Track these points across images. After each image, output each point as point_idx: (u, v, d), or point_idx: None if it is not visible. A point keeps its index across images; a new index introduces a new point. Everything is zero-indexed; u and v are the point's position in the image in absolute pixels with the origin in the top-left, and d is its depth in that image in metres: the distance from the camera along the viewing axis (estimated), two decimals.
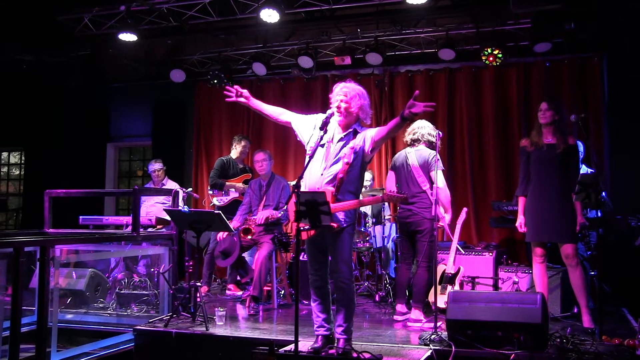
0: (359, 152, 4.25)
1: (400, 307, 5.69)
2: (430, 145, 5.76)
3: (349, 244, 4.28)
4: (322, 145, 4.26)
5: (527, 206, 5.28)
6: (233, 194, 7.40)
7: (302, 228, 4.05)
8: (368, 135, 4.28)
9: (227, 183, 7.44)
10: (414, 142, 5.79)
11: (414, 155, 5.70)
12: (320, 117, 4.34)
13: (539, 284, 5.24)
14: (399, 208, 5.84)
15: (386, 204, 7.11)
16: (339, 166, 4.21)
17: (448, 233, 5.87)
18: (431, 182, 5.54)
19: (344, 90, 4.30)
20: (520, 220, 5.31)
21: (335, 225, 4.14)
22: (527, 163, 5.31)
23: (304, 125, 4.43)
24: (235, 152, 7.73)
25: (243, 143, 7.74)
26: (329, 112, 4.25)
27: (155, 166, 8.21)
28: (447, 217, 5.68)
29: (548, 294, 5.26)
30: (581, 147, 6.31)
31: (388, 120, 8.14)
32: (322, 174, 4.21)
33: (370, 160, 4.58)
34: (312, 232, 4.16)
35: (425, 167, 5.60)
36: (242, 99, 4.46)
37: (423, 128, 5.77)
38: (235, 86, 4.48)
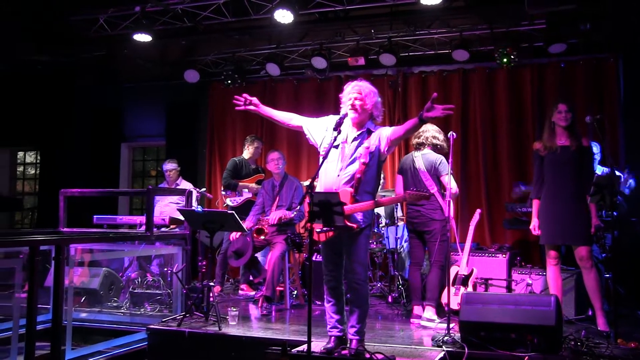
0: (374, 151, 4.23)
1: (418, 310, 5.66)
2: (435, 148, 5.80)
3: (365, 245, 4.28)
4: (336, 147, 4.24)
5: (542, 208, 5.25)
6: (246, 195, 7.41)
7: (321, 230, 4.07)
8: (384, 134, 4.27)
9: (240, 184, 7.46)
10: (420, 145, 5.83)
11: (420, 160, 5.72)
12: (331, 119, 4.34)
13: (553, 286, 5.21)
14: (408, 209, 5.84)
15: (398, 204, 7.10)
16: (355, 166, 4.20)
17: (455, 234, 5.84)
18: (439, 185, 5.56)
19: (356, 89, 4.29)
20: (534, 223, 5.28)
21: (355, 226, 4.14)
22: (541, 166, 5.27)
23: (316, 128, 4.42)
24: (247, 152, 7.74)
25: (256, 144, 7.75)
26: (342, 112, 4.24)
27: (169, 166, 8.24)
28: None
29: (562, 296, 5.22)
30: (597, 149, 6.28)
31: (401, 121, 8.13)
32: (338, 175, 4.21)
33: (385, 160, 4.58)
34: (331, 233, 4.17)
35: (433, 171, 5.63)
36: (251, 107, 4.41)
37: (427, 132, 5.79)
38: (244, 94, 4.43)
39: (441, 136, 5.82)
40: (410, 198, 4.37)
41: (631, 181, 6.33)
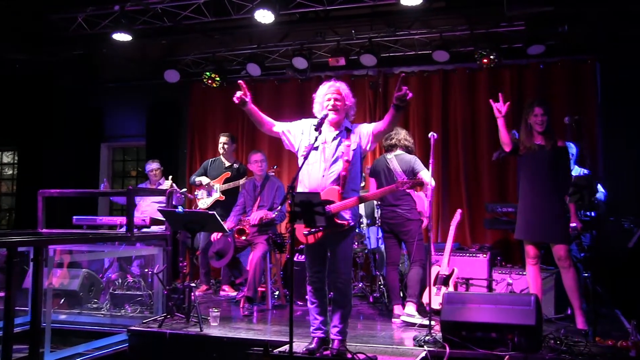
0: (356, 149, 4.29)
1: (398, 310, 5.71)
2: (407, 149, 5.91)
3: (351, 245, 4.34)
4: (316, 148, 4.26)
5: (519, 206, 5.30)
6: (215, 195, 7.40)
7: (309, 232, 4.08)
8: (364, 132, 4.32)
9: (196, 179, 7.50)
10: (391, 147, 5.93)
11: (395, 161, 5.81)
12: (306, 122, 4.40)
13: (532, 285, 5.26)
14: (383, 209, 5.89)
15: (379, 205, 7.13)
16: (339, 165, 4.23)
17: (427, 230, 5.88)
18: None
19: (333, 89, 4.32)
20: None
21: (345, 223, 4.17)
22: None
23: (293, 132, 4.44)
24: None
25: (221, 139, 7.67)
26: (322, 114, 4.23)
27: (152, 166, 8.18)
28: (426, 203, 5.68)
29: (542, 295, 5.27)
30: (574, 149, 6.35)
31: None
32: (323, 176, 4.23)
33: (366, 156, 4.61)
34: (320, 234, 4.17)
35: (409, 171, 5.71)
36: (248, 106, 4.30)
37: (398, 134, 5.91)
38: (238, 91, 4.25)
39: (411, 139, 6.00)
40: (403, 187, 4.40)
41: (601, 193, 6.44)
